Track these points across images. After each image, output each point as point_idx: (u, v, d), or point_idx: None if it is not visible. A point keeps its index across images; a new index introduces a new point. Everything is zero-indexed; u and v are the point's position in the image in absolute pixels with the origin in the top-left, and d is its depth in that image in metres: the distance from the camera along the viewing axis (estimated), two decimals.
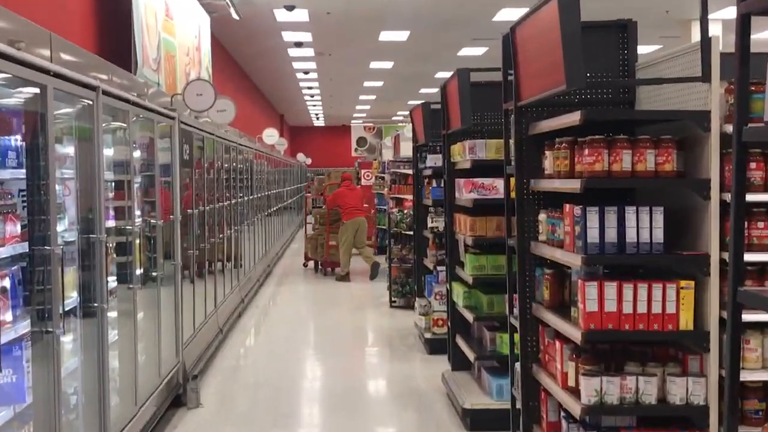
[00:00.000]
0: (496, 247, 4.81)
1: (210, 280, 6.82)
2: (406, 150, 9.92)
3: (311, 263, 12.00)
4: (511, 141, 3.84)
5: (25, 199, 2.92)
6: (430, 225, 6.44)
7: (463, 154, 5.04)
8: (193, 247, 5.92)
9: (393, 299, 8.79)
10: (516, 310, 3.83)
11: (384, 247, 11.98)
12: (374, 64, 15.09)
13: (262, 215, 11.30)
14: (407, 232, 8.67)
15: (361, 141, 28.38)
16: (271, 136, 13.93)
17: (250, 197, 9.80)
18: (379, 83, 18.08)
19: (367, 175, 16.01)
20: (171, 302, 5.25)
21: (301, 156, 25.44)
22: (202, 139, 6.47)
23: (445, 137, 5.51)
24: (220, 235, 7.30)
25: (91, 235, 3.50)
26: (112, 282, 3.88)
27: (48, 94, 2.92)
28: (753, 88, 2.59)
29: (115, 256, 4.01)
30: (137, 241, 4.30)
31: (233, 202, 8.17)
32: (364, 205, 11.15)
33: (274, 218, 13.54)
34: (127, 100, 4.07)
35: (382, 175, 13.07)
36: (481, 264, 4.84)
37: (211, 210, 6.81)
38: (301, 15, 10.38)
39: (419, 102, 6.71)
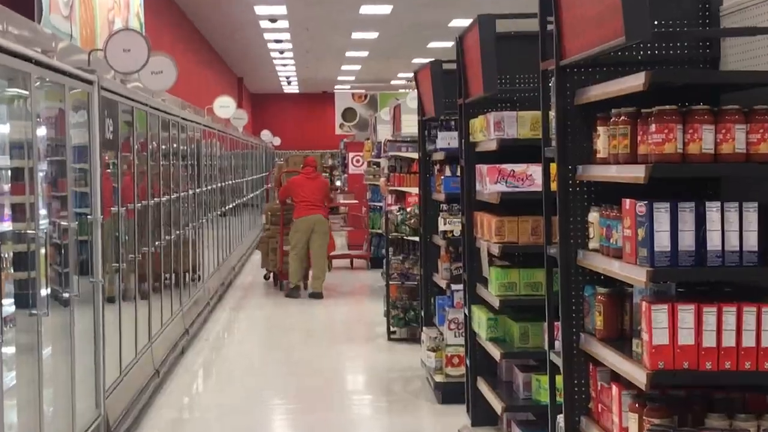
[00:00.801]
0: (532, 258, 4.83)
1: (143, 303, 6.83)
2: (410, 126, 9.94)
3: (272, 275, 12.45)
4: (552, 113, 3.86)
5: None
6: (442, 228, 6.46)
7: (486, 131, 5.06)
8: (119, 259, 5.94)
9: (392, 329, 8.82)
10: (558, 344, 3.84)
11: (379, 258, 12.09)
12: (366, 8, 14.98)
13: (213, 215, 11.34)
14: (411, 238, 8.70)
15: (348, 114, 28.48)
16: (225, 107, 13.95)
17: (197, 191, 9.84)
18: (373, 35, 18.03)
19: (357, 161, 16.02)
20: (90, 333, 5.26)
21: (266, 134, 25.53)
22: (131, 112, 6.49)
23: (462, 108, 5.54)
24: (156, 243, 7.32)
25: None
26: (8, 306, 3.88)
27: None
28: None
29: (12, 271, 4.02)
30: (42, 251, 4.31)
31: (173, 197, 8.20)
32: (326, 203, 11.53)
33: (230, 219, 13.60)
34: (27, 58, 4.08)
35: (377, 160, 13.11)
36: (510, 281, 4.86)
37: (143, 209, 6.83)
38: None
39: (427, 60, 6.72)
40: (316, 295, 11.25)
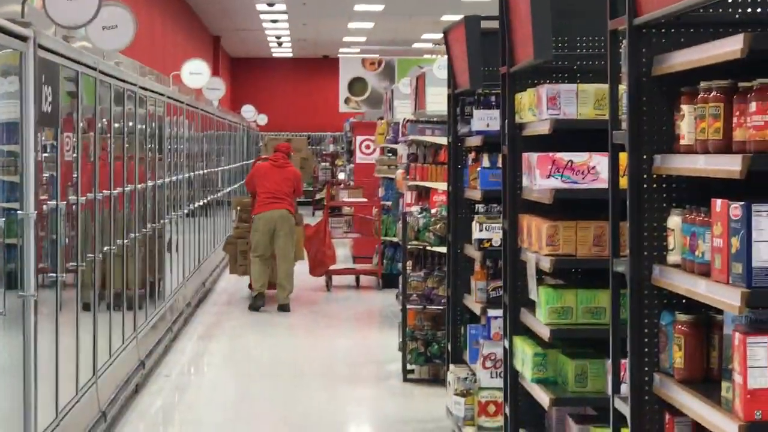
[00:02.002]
0: (593, 276, 4.84)
1: (86, 325, 6.88)
2: (437, 102, 9.95)
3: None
4: (622, 87, 3.87)
5: None
6: (476, 236, 6.47)
7: (537, 109, 5.08)
8: (57, 268, 5.99)
9: (409, 367, 8.84)
10: (625, 387, 3.85)
11: (394, 275, 12.16)
12: None
13: (179, 214, 11.41)
14: (436, 249, 8.72)
15: (356, 85, 28.50)
16: (196, 74, 13.98)
17: (158, 183, 9.90)
18: None
19: (366, 147, 16.03)
20: (17, 364, 5.30)
21: (249, 111, 25.65)
22: (76, 79, 6.54)
23: (506, 79, 5.56)
24: (105, 249, 7.38)
25: None
26: None
27: None
28: None
29: None
30: None
31: (128, 190, 8.26)
32: (293, 198, 12.27)
33: (201, 220, 13.65)
34: None
35: (393, 145, 13.15)
36: (565, 305, 4.88)
37: (89, 204, 6.88)
38: None
39: (460, 17, 6.74)
40: (286, 308, 12.02)
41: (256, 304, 12.12)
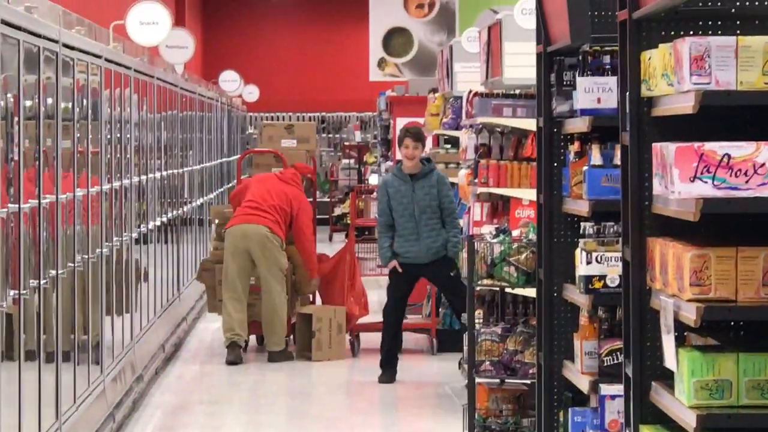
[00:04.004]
0: (764, 333, 4.83)
1: None
2: (519, 66, 9.95)
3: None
4: None
5: None
6: (582, 271, 6.46)
7: (674, 74, 5.08)
8: None
9: None
10: None
11: (455, 331, 12.23)
12: None
13: (125, 238, 11.44)
14: (520, 292, 8.71)
15: (396, 40, 28.57)
16: (150, 24, 14.06)
17: (92, 191, 9.92)
18: None
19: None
20: None
21: (230, 79, 25.69)
22: None
23: (627, 28, 5.56)
24: (12, 294, 7.41)
25: None
26: None
27: None
28: None
29: None
30: None
31: (45, 203, 8.27)
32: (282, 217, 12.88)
33: (160, 247, 13.73)
34: None
35: (452, 132, 13.18)
36: (721, 377, 4.89)
37: None
38: None
39: None
40: (278, 357, 12.59)
41: (232, 355, 12.61)
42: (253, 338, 13.50)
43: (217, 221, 14.13)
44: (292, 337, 13.38)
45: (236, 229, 12.68)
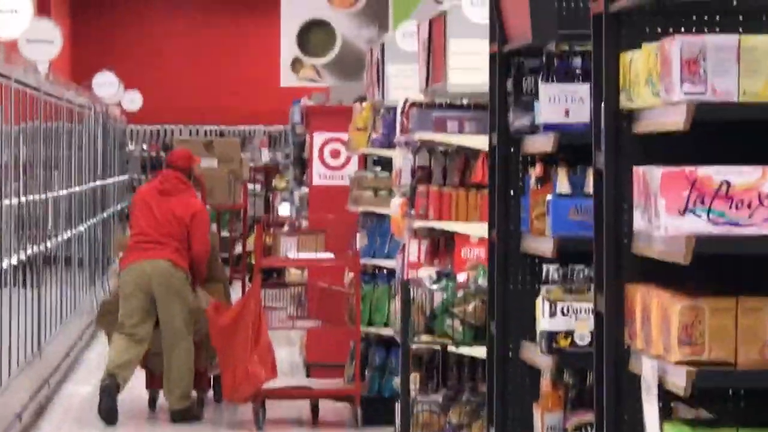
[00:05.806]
0: (764, 402, 4.86)
1: None
2: (468, 69, 10.01)
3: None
4: None
5: None
6: (544, 326, 6.50)
7: (661, 81, 5.10)
8: None
9: None
10: None
11: (385, 399, 12.25)
12: None
13: None
14: (466, 352, 8.73)
15: (313, 35, 28.69)
16: (9, 12, 14.09)
17: None
18: None
19: (333, 154, 15.95)
20: None
21: (107, 83, 25.76)
22: None
23: (602, 24, 5.58)
24: None
25: None
26: None
27: None
28: None
29: None
30: None
31: None
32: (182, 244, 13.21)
33: (17, 292, 13.71)
34: None
35: (384, 151, 13.30)
36: None
37: None
38: None
39: None
40: (181, 415, 12.93)
41: (104, 399, 12.81)
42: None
43: (121, 254, 14.34)
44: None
45: (133, 266, 12.98)
